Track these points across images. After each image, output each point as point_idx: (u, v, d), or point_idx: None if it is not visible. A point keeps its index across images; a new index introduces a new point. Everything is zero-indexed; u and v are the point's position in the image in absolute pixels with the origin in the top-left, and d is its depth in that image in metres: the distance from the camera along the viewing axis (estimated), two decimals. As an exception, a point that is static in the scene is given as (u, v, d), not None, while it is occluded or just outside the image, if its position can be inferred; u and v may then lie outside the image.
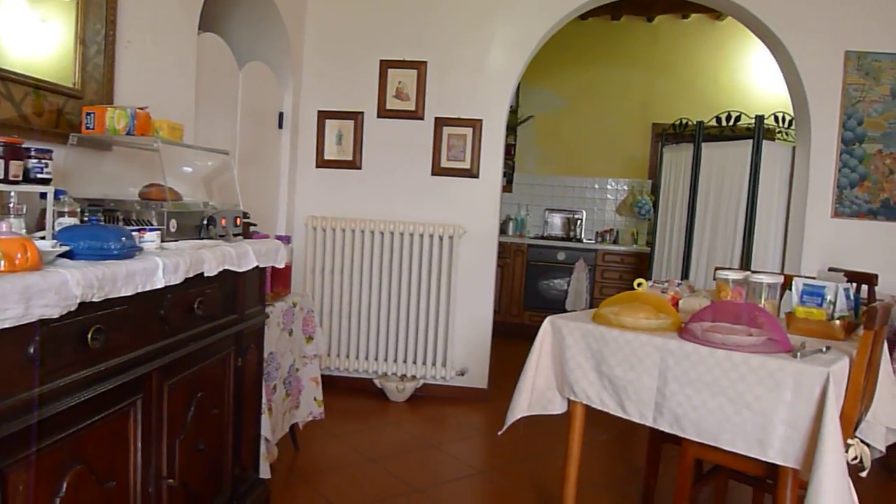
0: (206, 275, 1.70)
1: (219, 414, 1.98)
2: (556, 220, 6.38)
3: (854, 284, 3.18)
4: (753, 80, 6.03)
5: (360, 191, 4.07)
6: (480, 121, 3.95)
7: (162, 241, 1.68)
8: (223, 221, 2.03)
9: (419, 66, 3.97)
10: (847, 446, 1.83)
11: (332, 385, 3.89)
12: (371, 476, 2.91)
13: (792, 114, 4.10)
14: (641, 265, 5.71)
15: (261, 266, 2.07)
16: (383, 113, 4.02)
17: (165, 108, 2.31)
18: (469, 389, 4.05)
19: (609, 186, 6.46)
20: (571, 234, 6.30)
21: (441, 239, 3.94)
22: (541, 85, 6.41)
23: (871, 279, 3.24)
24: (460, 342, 4.03)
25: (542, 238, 6.20)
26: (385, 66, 3.99)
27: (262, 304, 2.27)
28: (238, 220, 2.16)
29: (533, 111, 6.49)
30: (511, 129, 6.27)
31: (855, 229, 3.76)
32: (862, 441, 2.04)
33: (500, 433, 2.36)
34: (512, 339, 5.08)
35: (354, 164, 4.06)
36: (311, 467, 2.96)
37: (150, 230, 1.64)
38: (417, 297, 3.98)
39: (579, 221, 6.33)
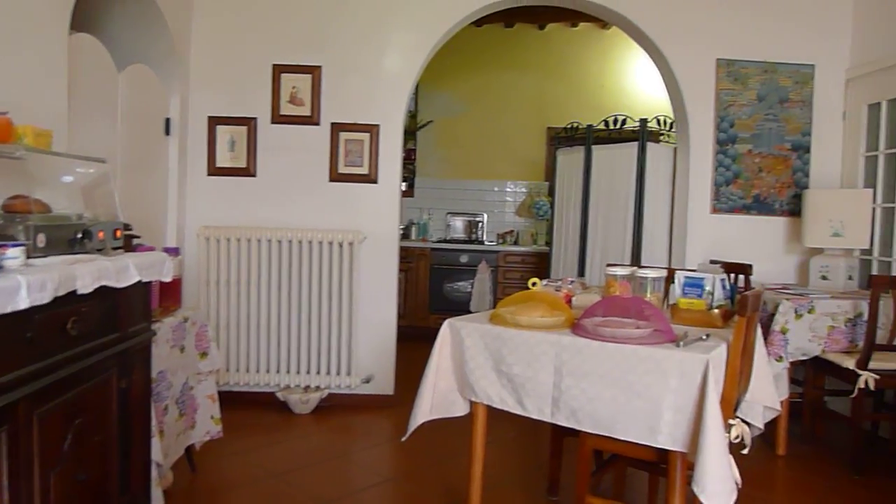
0: (80, 292, 1.58)
1: (102, 440, 1.84)
2: (459, 224, 6.46)
3: (732, 275, 3.42)
4: (638, 85, 6.39)
5: (256, 199, 3.94)
6: (378, 126, 3.93)
7: (28, 257, 1.54)
8: (101, 234, 1.90)
9: (313, 71, 3.89)
10: (728, 426, 1.96)
11: (233, 401, 3.73)
12: (276, 492, 2.81)
13: (672, 117, 4.37)
14: (541, 265, 5.88)
15: (144, 280, 1.95)
16: (277, 118, 3.91)
17: (32, 114, 2.13)
18: (375, 396, 4.01)
19: (508, 189, 6.62)
20: (473, 236, 6.40)
21: (341, 245, 3.88)
22: (440, 90, 6.48)
23: (746, 269, 3.49)
24: (364, 349, 3.99)
25: (445, 241, 6.26)
26: (278, 70, 3.89)
27: (147, 321, 2.14)
28: (118, 233, 2.02)
29: (433, 116, 6.55)
30: (411, 133, 6.30)
31: (731, 223, 4.06)
32: (742, 420, 2.20)
33: (403, 440, 2.35)
34: (419, 342, 5.07)
35: (249, 172, 3.92)
36: (210, 489, 2.82)
37: (14, 246, 1.50)
38: (318, 305, 3.90)
39: (481, 224, 6.44)
